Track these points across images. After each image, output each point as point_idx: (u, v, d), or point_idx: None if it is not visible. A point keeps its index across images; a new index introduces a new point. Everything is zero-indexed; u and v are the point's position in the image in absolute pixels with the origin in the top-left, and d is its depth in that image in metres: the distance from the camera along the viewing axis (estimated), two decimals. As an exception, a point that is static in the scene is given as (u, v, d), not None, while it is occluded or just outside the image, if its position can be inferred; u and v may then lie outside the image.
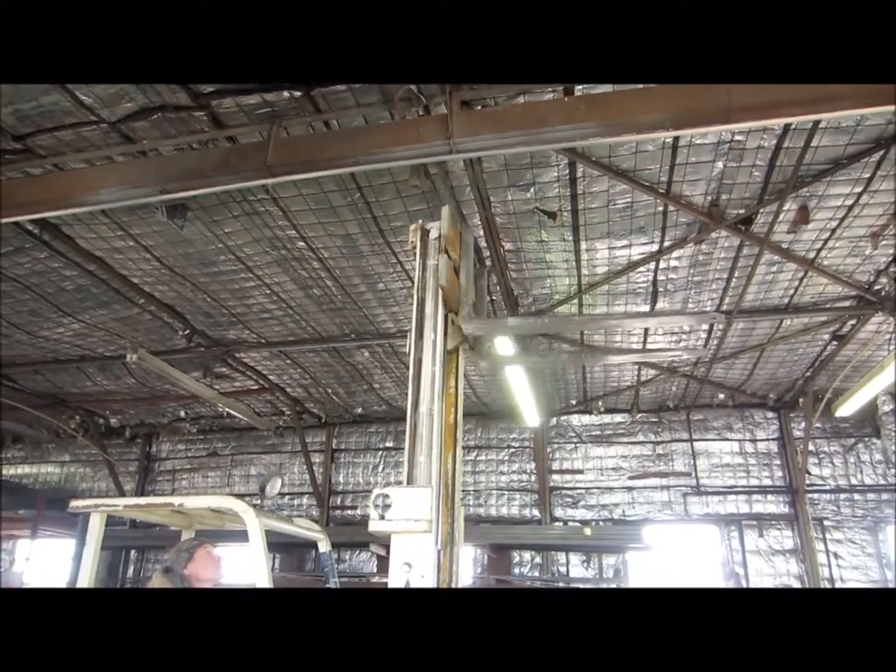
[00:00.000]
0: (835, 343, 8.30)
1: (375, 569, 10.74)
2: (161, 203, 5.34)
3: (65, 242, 6.39)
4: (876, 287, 6.92)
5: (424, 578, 2.56)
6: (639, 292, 7.28)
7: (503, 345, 7.02)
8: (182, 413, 12.07)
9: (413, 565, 2.58)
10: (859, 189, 5.48)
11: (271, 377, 10.17)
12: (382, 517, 2.62)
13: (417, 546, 2.61)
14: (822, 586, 9.50)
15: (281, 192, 5.64)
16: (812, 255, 6.47)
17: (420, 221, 3.38)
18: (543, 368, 8.21)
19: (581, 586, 10.05)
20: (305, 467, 11.67)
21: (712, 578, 10.00)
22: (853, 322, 7.73)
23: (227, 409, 10.10)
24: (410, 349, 3.09)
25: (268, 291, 7.44)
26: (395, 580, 2.58)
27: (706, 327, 8.05)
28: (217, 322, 8.26)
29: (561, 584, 10.25)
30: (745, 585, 9.79)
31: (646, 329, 8.20)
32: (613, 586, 9.87)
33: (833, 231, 6.07)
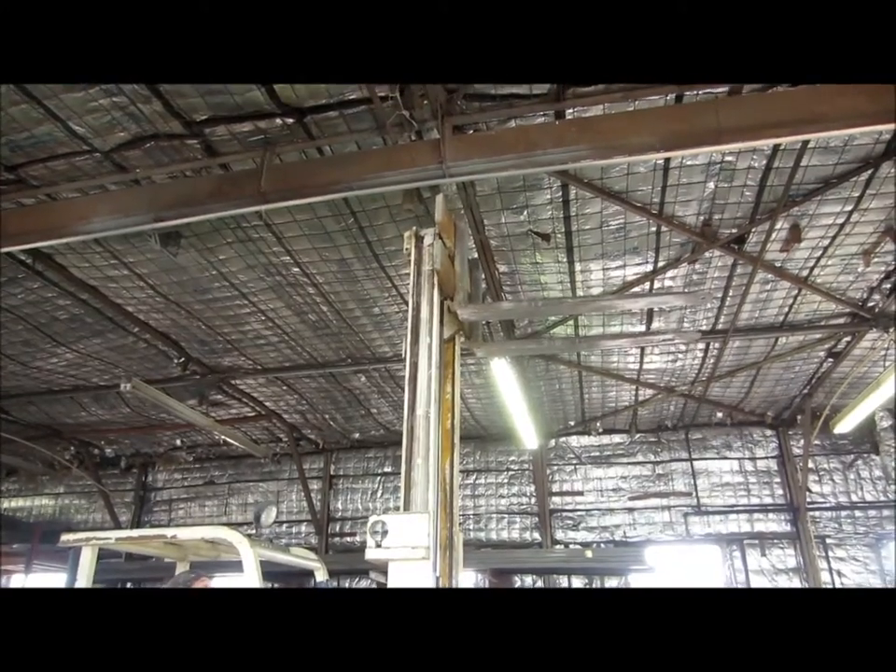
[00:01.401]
0: (831, 360, 8.31)
1: (375, 597, 10.58)
2: (154, 230, 5.36)
3: (59, 271, 6.37)
4: (870, 304, 6.95)
5: (423, 606, 2.53)
6: (635, 312, 7.29)
7: (498, 365, 6.99)
8: (178, 442, 11.96)
9: (411, 593, 2.54)
10: (849, 208, 5.53)
11: (267, 404, 10.10)
12: (378, 545, 2.57)
13: (415, 574, 2.57)
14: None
15: (275, 218, 5.65)
16: (805, 273, 6.50)
17: (414, 228, 3.36)
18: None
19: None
20: (303, 494, 11.55)
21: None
22: (848, 339, 7.75)
23: (223, 437, 10.03)
24: (405, 353, 3.07)
25: (263, 317, 7.42)
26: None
27: (702, 346, 8.06)
28: (212, 349, 8.23)
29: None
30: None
31: (642, 350, 8.21)
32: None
33: (826, 249, 6.10)
